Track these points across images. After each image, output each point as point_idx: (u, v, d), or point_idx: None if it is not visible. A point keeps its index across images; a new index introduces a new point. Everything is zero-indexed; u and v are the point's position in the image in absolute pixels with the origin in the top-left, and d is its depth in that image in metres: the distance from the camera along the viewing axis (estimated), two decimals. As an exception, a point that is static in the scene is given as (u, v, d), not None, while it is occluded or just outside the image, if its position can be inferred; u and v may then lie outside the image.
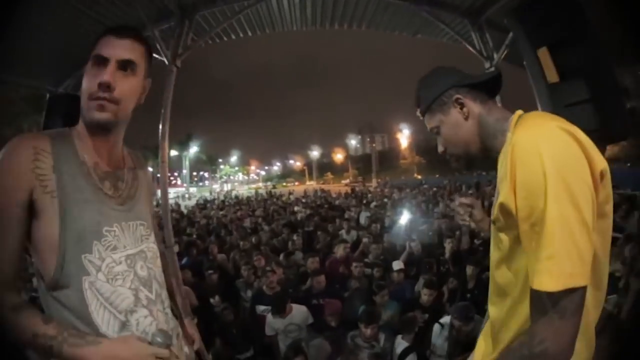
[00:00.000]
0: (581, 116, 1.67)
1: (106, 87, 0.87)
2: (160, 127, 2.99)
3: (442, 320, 2.87)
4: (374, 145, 74.34)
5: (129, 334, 0.87)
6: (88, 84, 0.88)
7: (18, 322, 0.80)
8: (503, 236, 0.86)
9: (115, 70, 0.89)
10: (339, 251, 4.67)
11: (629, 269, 3.86)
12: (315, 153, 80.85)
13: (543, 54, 1.79)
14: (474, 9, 3.21)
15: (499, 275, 0.91)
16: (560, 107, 1.77)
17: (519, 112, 0.91)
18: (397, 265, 3.89)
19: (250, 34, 3.75)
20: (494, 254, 0.93)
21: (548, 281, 0.69)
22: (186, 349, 1.10)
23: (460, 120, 0.96)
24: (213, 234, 7.20)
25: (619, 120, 1.74)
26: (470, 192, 11.85)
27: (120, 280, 0.90)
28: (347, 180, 57.11)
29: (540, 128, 0.78)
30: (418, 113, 1.07)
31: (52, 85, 4.88)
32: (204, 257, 5.33)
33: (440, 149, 1.05)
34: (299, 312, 3.16)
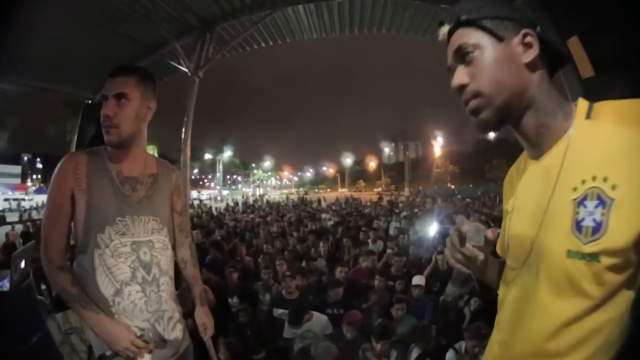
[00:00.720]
0: None
1: (106, 117, 1.22)
2: (183, 133, 3.10)
3: (456, 345, 2.63)
4: (407, 153, 72.90)
5: (120, 298, 1.21)
6: (101, 116, 1.23)
7: (58, 277, 1.20)
8: (606, 276, 0.57)
9: (113, 104, 1.23)
10: (365, 262, 4.58)
11: None
12: (348, 160, 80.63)
13: (574, 44, 1.52)
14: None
15: (565, 333, 0.62)
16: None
17: (581, 98, 0.70)
18: (418, 280, 3.71)
19: (271, 43, 3.85)
20: (568, 305, 0.61)
21: None
22: (176, 333, 1.33)
23: (517, 58, 0.68)
24: (239, 235, 7.31)
25: None
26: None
27: (123, 258, 1.23)
28: (380, 189, 56.35)
29: None
30: (444, 28, 0.74)
31: (91, 92, 5.37)
32: (229, 257, 5.42)
33: (458, 80, 0.71)
34: (318, 320, 3.12)
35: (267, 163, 69.28)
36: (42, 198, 25.00)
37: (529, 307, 0.68)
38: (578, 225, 0.59)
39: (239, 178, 66.72)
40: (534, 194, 0.70)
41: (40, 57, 4.24)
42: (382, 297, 3.66)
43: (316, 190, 73.16)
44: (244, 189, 57.64)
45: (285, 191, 64.27)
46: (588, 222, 0.58)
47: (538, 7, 1.62)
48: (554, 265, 0.63)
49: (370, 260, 4.60)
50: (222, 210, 15.22)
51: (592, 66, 1.50)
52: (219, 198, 33.85)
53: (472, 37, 0.70)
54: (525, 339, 0.68)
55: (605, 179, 0.58)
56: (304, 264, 5.07)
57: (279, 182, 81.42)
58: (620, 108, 0.64)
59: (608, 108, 0.65)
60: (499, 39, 0.68)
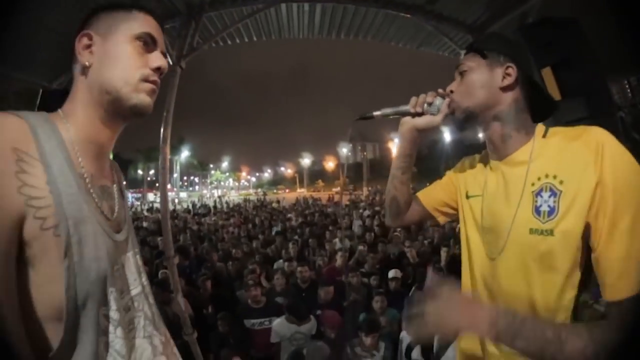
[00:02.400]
0: None
1: (160, 72, 0.77)
2: (162, 130, 2.92)
3: None
4: (365, 153, 74.79)
5: None
6: (139, 62, 0.74)
7: None
8: (554, 244, 0.77)
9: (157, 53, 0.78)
10: (338, 260, 4.66)
11: None
12: (306, 160, 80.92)
13: (547, 73, 1.86)
14: (478, 25, 3.27)
15: (524, 297, 0.82)
16: (561, 123, 1.82)
17: (540, 123, 0.93)
18: (393, 273, 3.89)
19: (255, 38, 3.74)
20: (529, 271, 0.82)
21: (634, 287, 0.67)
22: None
23: (495, 82, 0.90)
24: (205, 240, 7.10)
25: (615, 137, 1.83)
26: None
27: (136, 331, 0.74)
28: (338, 188, 57.18)
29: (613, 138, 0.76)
30: (464, 51, 0.99)
31: (46, 80, 4.80)
32: (196, 263, 5.25)
33: (449, 87, 0.98)
34: (309, 324, 3.15)
35: (225, 164, 67.60)
36: None
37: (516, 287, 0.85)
38: (537, 210, 0.82)
39: (196, 179, 64.43)
40: (507, 187, 0.91)
41: None
42: (360, 293, 3.76)
43: (274, 190, 72.59)
44: (203, 191, 55.74)
45: (243, 192, 63.08)
46: (544, 208, 0.80)
47: (522, 39, 1.93)
48: (522, 242, 0.83)
49: (340, 257, 4.69)
50: (181, 213, 14.63)
51: (560, 92, 1.87)
52: (176, 200, 32.42)
53: (472, 60, 0.95)
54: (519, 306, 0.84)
55: (555, 176, 0.81)
56: (276, 266, 5.05)
57: (237, 183, 79.72)
58: (565, 131, 0.85)
59: (557, 131, 0.88)
60: (488, 65, 0.92)
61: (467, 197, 1.05)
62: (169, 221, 3.08)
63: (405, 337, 2.81)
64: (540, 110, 0.96)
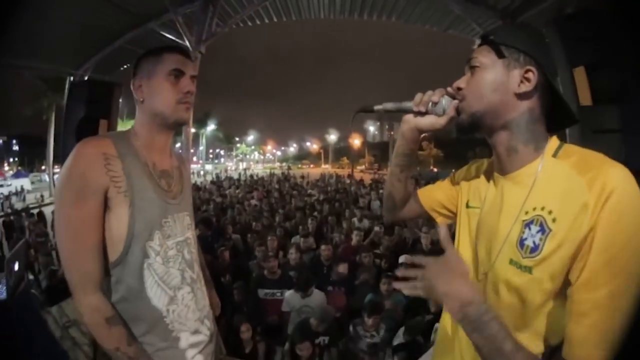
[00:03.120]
0: (609, 145, 1.57)
1: (191, 94, 1.11)
2: None
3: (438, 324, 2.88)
4: (392, 133, 73.28)
5: (175, 305, 1.08)
6: (174, 91, 1.08)
7: (109, 334, 0.96)
8: (530, 283, 0.72)
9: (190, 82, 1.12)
10: (353, 239, 4.74)
11: None
12: (332, 137, 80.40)
13: (579, 73, 1.67)
14: (510, 10, 3.08)
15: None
16: (588, 132, 1.67)
17: (555, 136, 0.81)
18: (403, 258, 3.91)
19: (275, 19, 3.72)
20: (505, 298, 0.78)
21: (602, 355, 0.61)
22: (213, 325, 1.25)
23: (510, 86, 0.78)
24: (228, 212, 7.35)
25: None
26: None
27: (172, 263, 1.09)
28: (363, 167, 56.78)
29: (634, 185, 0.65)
30: (478, 41, 0.85)
31: (72, 68, 4.98)
32: (217, 234, 5.48)
33: (456, 83, 0.86)
34: (317, 296, 3.28)
35: (251, 137, 68.40)
36: (20, 182, 23.23)
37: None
38: (521, 242, 0.75)
39: (222, 152, 65.75)
40: (502, 207, 0.83)
41: (15, 30, 3.84)
42: (371, 274, 3.85)
43: (299, 165, 72.92)
44: (227, 163, 56.95)
45: (268, 165, 63.89)
46: (529, 242, 0.73)
47: (553, 33, 1.71)
48: (502, 267, 0.79)
49: (357, 238, 4.77)
50: (207, 186, 15.10)
51: (591, 96, 1.64)
52: (202, 173, 33.39)
53: (485, 55, 0.82)
54: None
55: (550, 212, 0.71)
56: (293, 240, 5.20)
57: (262, 157, 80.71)
58: (581, 156, 0.73)
59: (572, 153, 0.75)
60: (505, 65, 0.79)
61: (467, 206, 0.98)
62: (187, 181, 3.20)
63: (399, 336, 2.82)
64: (556, 120, 0.83)
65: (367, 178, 21.45)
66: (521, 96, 0.78)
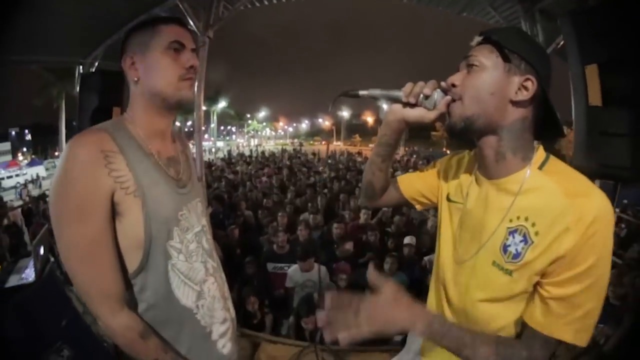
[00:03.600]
0: (615, 149, 1.53)
1: (194, 69, 0.97)
2: (195, 98, 3.05)
3: None
4: (406, 110, 71.85)
5: (203, 300, 1.01)
6: (175, 66, 0.93)
7: (145, 347, 0.89)
8: (509, 283, 0.80)
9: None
10: (361, 218, 4.82)
11: (625, 302, 3.85)
12: (345, 114, 79.39)
13: (591, 71, 1.59)
14: None
15: (474, 305, 0.87)
16: (594, 132, 1.61)
17: (541, 147, 0.84)
18: (409, 239, 3.98)
19: (284, 0, 3.64)
20: (483, 290, 0.86)
21: (582, 337, 0.74)
22: (233, 308, 1.20)
23: (507, 92, 0.78)
24: (240, 188, 7.49)
25: None
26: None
27: (194, 256, 1.01)
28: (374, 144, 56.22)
29: (608, 206, 0.72)
30: (478, 38, 0.83)
31: (80, 57, 4.98)
32: (229, 211, 5.63)
33: (451, 79, 0.84)
34: (320, 271, 3.37)
35: (262, 114, 68.12)
36: (35, 170, 23.73)
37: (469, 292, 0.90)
38: (504, 248, 0.81)
39: (233, 129, 65.88)
40: (487, 210, 0.86)
41: (20, 27, 3.81)
42: (378, 252, 3.94)
43: (311, 142, 72.66)
44: (238, 140, 57.21)
45: (280, 142, 63.90)
46: (512, 249, 0.79)
47: (568, 26, 1.63)
48: (483, 267, 0.85)
49: (365, 217, 4.84)
50: (218, 163, 15.29)
51: (602, 96, 1.57)
52: (213, 150, 33.67)
53: (485, 55, 0.80)
54: (469, 310, 0.90)
55: (533, 224, 0.77)
56: (301, 217, 5.31)
57: (273, 133, 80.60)
58: (567, 176, 0.78)
59: (558, 169, 0.80)
60: (506, 70, 0.78)
61: (449, 199, 1.01)
62: (204, 173, 3.29)
63: None
64: (545, 132, 0.85)
65: (367, 152, 21.30)
66: (516, 104, 0.79)
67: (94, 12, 3.84)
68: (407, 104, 0.91)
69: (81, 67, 5.98)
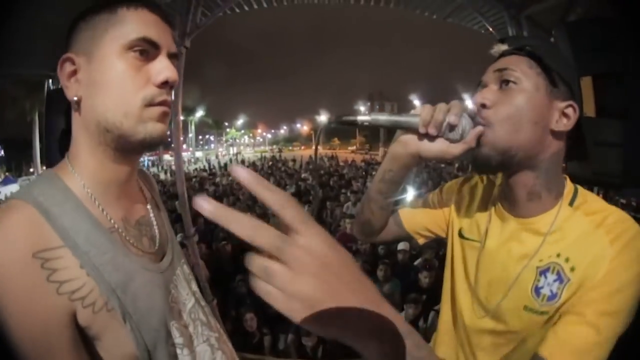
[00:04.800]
0: (607, 158, 1.59)
1: (170, 87, 0.61)
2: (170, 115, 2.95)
3: (437, 307, 2.90)
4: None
5: None
6: (136, 84, 0.57)
7: None
8: (544, 323, 0.69)
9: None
10: (347, 226, 4.80)
11: None
12: (323, 118, 79.72)
13: (586, 84, 1.60)
14: (516, 3, 2.99)
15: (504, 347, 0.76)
16: (589, 143, 1.61)
17: (568, 178, 0.75)
18: (402, 245, 4.00)
19: (265, 5, 3.57)
20: (519, 343, 0.74)
21: None
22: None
23: (549, 121, 0.66)
24: (224, 201, 7.36)
25: None
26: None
27: (196, 340, 0.74)
28: (354, 147, 56.83)
29: None
30: (503, 46, 0.71)
31: (50, 70, 4.75)
32: (214, 225, 5.48)
33: (483, 98, 0.68)
34: None
35: (241, 121, 67.55)
36: (9, 189, 22.43)
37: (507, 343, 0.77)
38: (537, 290, 0.69)
39: (212, 138, 64.96)
40: (512, 250, 0.75)
41: None
42: (369, 260, 3.93)
43: (290, 147, 72.61)
44: (218, 149, 56.47)
45: (259, 149, 63.48)
46: (546, 291, 0.68)
47: (563, 37, 1.67)
48: (515, 314, 0.73)
49: (350, 226, 4.81)
50: (201, 174, 15.01)
51: (595, 108, 1.61)
52: (192, 160, 33.04)
53: (525, 72, 0.66)
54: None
55: (567, 260, 0.67)
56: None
57: (252, 140, 80.00)
58: (593, 208, 0.70)
59: (587, 202, 0.71)
60: (550, 94, 0.66)
61: (462, 236, 0.87)
62: (186, 204, 3.10)
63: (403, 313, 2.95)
64: (571, 154, 0.75)
65: (359, 159, 21.54)
66: (555, 134, 0.67)
67: (64, 21, 3.65)
68: (425, 135, 0.69)
69: (50, 80, 5.73)
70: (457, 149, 0.67)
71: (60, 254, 0.53)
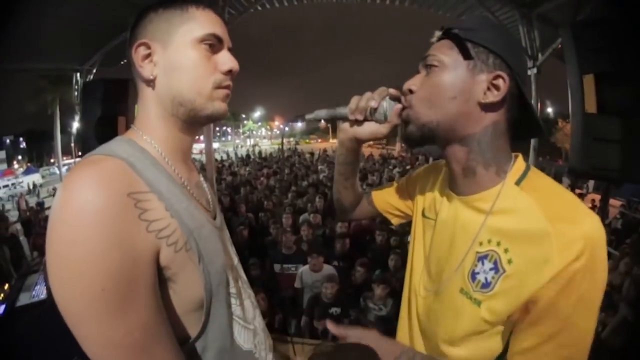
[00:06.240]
0: (606, 154, 1.67)
1: (233, 75, 0.73)
2: None
3: None
4: (401, 106, 72.02)
5: (258, 336, 0.86)
6: (209, 69, 0.69)
7: None
8: (476, 314, 0.68)
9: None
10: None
11: (621, 291, 3.97)
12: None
13: (588, 81, 1.71)
14: (526, 2, 2.99)
15: (442, 331, 0.76)
16: (589, 138, 1.75)
17: (520, 156, 0.72)
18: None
19: (286, 4, 3.67)
20: (451, 318, 0.74)
21: None
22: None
23: (474, 94, 0.67)
24: (241, 190, 7.54)
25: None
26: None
27: (244, 295, 0.83)
28: (371, 142, 56.40)
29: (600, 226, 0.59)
30: (438, 33, 0.72)
31: (77, 64, 4.88)
32: (230, 214, 5.68)
33: (407, 84, 0.73)
34: (328, 271, 3.45)
35: (258, 113, 68.05)
36: (31, 178, 23.52)
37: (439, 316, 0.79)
38: (473, 275, 0.69)
39: (229, 129, 65.72)
40: (456, 231, 0.76)
41: (15, 34, 3.68)
42: (383, 251, 4.02)
43: (307, 140, 72.66)
44: (236, 141, 57.15)
45: (276, 141, 63.85)
46: (481, 278, 0.68)
47: (568, 37, 1.74)
48: (451, 292, 0.74)
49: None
50: (218, 165, 15.30)
51: (597, 105, 1.68)
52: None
53: (445, 53, 0.69)
54: (437, 337, 0.78)
55: (506, 250, 0.65)
56: (302, 218, 5.37)
57: (269, 132, 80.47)
58: (550, 193, 0.65)
59: (539, 185, 0.67)
60: (470, 68, 0.67)
61: (424, 215, 0.90)
62: (214, 183, 3.24)
63: None
64: (522, 131, 0.73)
65: (376, 153, 21.41)
66: (486, 107, 0.67)
67: (91, 18, 3.78)
68: (355, 121, 0.82)
69: (78, 74, 6.01)
70: (384, 128, 0.80)
71: (149, 198, 0.59)
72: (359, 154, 0.94)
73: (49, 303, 2.36)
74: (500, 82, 0.66)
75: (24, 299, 2.56)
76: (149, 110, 0.71)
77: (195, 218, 0.67)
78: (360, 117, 0.80)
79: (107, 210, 0.52)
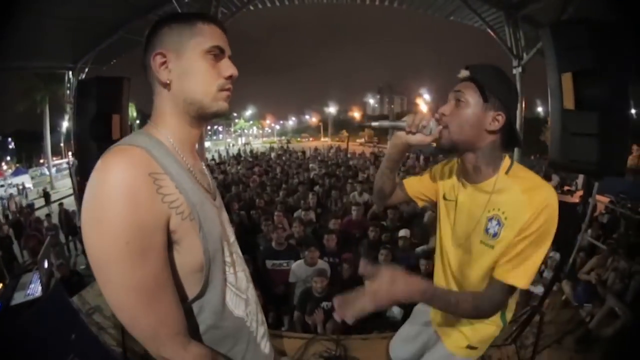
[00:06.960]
0: (584, 148, 1.77)
1: (233, 80, 0.89)
2: None
3: None
4: (392, 106, 72.36)
5: (250, 306, 1.03)
6: (214, 75, 0.85)
7: None
8: (493, 253, 1.12)
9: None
10: (353, 214, 4.93)
11: (606, 284, 4.13)
12: (331, 109, 79.41)
13: (566, 79, 1.82)
14: (513, 3, 3.07)
15: (471, 273, 1.22)
16: (568, 133, 1.85)
17: (507, 156, 1.15)
18: (403, 232, 4.13)
19: (278, 4, 3.69)
20: (476, 261, 1.19)
21: (520, 281, 1.07)
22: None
23: (484, 123, 1.08)
24: (232, 188, 7.54)
25: (617, 160, 1.81)
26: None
27: (238, 267, 1.00)
28: (362, 140, 56.54)
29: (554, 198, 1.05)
30: (465, 72, 1.10)
31: (70, 62, 4.81)
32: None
33: (442, 110, 1.12)
34: (320, 265, 3.51)
35: (249, 112, 67.69)
36: (20, 179, 23.09)
37: (468, 266, 1.24)
38: (487, 230, 1.14)
39: (220, 128, 65.25)
40: (471, 206, 1.19)
41: (9, 33, 3.67)
42: (373, 246, 4.07)
43: (298, 139, 72.44)
44: (227, 140, 56.76)
45: (267, 140, 63.60)
46: (491, 231, 1.13)
47: (547, 37, 1.84)
48: (475, 245, 1.18)
49: (358, 212, 4.94)
50: (208, 163, 15.22)
51: (575, 101, 1.81)
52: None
53: (472, 95, 1.08)
54: (467, 277, 1.25)
55: (503, 212, 1.10)
56: (295, 215, 5.41)
57: (260, 131, 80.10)
58: (525, 177, 1.10)
59: (519, 173, 1.12)
60: (484, 109, 1.07)
61: (445, 198, 1.34)
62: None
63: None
64: (510, 144, 1.16)
65: (367, 151, 21.50)
66: (489, 132, 1.09)
67: (85, 16, 3.75)
68: (409, 132, 1.17)
69: (71, 72, 5.92)
70: (428, 139, 1.14)
71: (163, 177, 0.77)
72: (405, 154, 1.30)
73: (44, 301, 2.39)
74: (500, 118, 1.07)
75: (18, 298, 2.57)
76: (164, 108, 0.87)
77: (198, 196, 0.84)
78: (414, 130, 1.15)
79: (134, 185, 0.70)
